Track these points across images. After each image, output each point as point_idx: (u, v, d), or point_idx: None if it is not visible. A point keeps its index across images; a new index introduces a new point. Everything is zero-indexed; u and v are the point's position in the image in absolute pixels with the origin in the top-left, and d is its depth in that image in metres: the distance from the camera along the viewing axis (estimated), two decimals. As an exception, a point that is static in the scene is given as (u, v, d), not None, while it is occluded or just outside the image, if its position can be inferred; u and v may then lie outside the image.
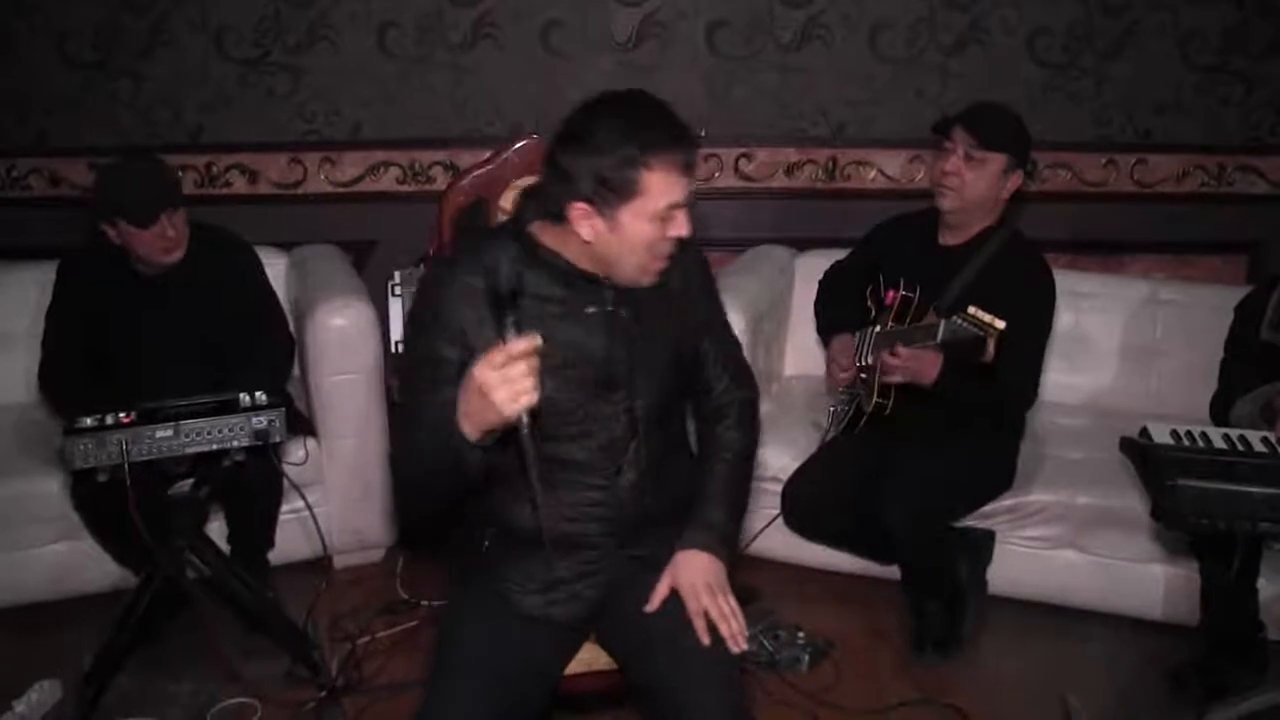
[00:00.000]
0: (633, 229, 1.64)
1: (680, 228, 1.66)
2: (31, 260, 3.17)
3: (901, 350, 2.55)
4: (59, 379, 2.75)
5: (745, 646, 1.78)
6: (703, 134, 3.63)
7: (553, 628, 1.83)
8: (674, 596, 1.82)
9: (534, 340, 1.44)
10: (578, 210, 1.64)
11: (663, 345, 1.81)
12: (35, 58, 3.49)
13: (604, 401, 1.77)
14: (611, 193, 1.61)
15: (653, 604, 1.81)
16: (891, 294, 2.72)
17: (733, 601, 1.81)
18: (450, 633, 1.85)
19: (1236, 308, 2.74)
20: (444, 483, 1.67)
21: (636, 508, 1.82)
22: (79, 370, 2.71)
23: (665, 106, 1.65)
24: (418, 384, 1.74)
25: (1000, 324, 2.34)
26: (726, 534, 1.90)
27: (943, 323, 2.47)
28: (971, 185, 2.64)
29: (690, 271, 1.87)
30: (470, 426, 1.50)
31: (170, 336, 2.72)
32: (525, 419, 1.46)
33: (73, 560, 2.85)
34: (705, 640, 1.75)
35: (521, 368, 1.43)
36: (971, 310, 2.37)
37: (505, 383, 1.42)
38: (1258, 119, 3.68)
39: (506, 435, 1.52)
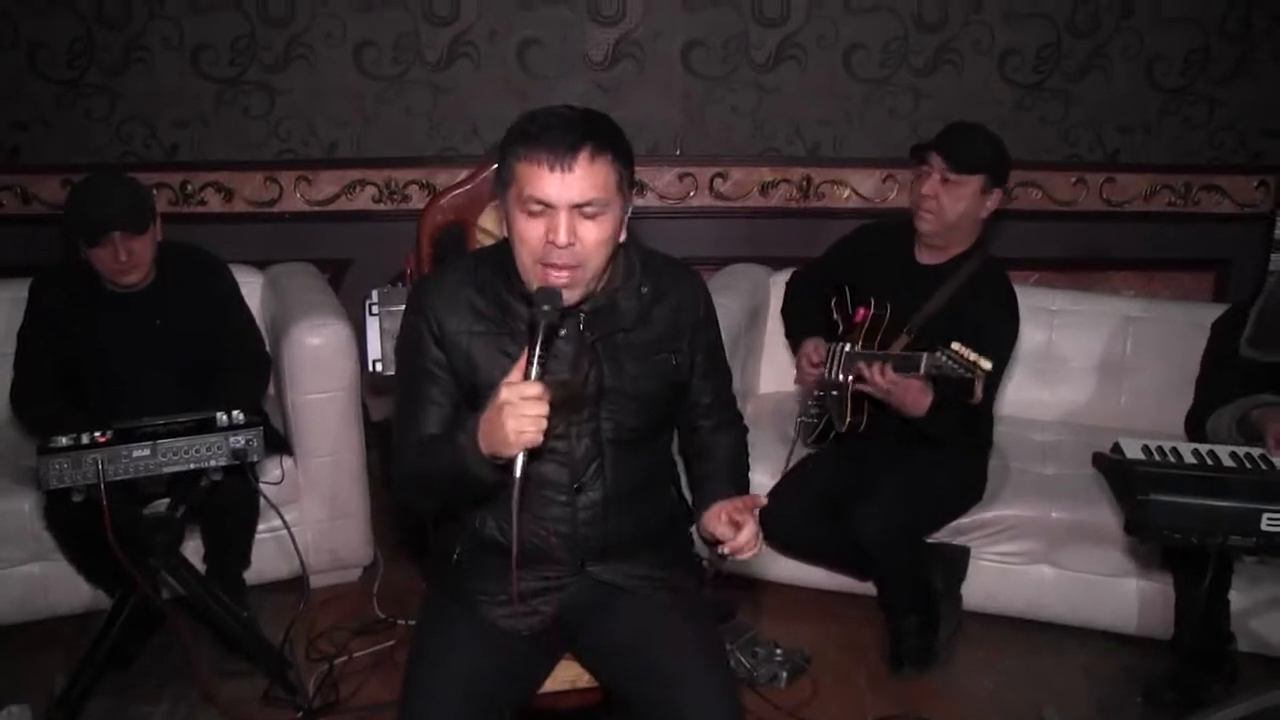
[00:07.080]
0: (514, 218, 1.69)
1: (555, 233, 1.64)
2: (3, 279, 3.14)
3: (890, 373, 2.49)
4: (32, 399, 2.72)
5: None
6: (678, 152, 3.67)
7: (519, 640, 1.84)
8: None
9: (545, 390, 1.55)
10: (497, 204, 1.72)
11: (641, 372, 1.81)
12: (7, 73, 3.47)
13: (569, 420, 1.78)
14: (502, 180, 1.70)
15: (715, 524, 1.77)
16: (863, 312, 2.71)
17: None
18: (424, 637, 1.88)
19: (1214, 324, 2.76)
20: (458, 499, 1.83)
21: (599, 528, 1.83)
22: (52, 390, 2.69)
23: (562, 114, 1.67)
24: (416, 388, 1.80)
25: (986, 364, 2.30)
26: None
27: (925, 356, 2.42)
28: (950, 208, 2.65)
29: (686, 304, 1.87)
30: (485, 443, 1.58)
31: (142, 355, 2.70)
32: (523, 456, 1.56)
33: (45, 581, 2.81)
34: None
35: (540, 408, 1.53)
36: (955, 347, 2.33)
37: (519, 416, 1.52)
38: (1220, 140, 3.76)
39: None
